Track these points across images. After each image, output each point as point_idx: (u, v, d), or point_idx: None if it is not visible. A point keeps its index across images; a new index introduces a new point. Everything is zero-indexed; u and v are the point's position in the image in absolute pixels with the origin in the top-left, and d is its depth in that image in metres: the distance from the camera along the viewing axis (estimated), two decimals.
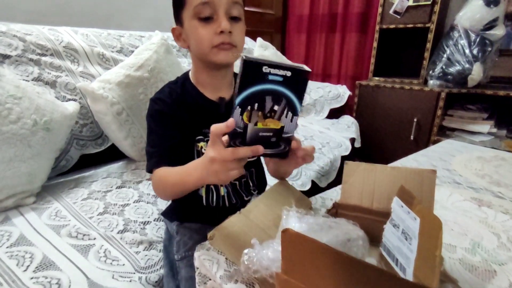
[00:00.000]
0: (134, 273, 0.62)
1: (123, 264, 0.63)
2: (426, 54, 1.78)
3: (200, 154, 0.67)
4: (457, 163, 1.02)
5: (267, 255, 0.41)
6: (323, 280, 0.35)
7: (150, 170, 0.64)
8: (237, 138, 0.45)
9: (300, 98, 0.43)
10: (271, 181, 0.97)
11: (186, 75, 0.73)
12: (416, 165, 1.00)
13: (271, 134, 0.46)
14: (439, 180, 0.87)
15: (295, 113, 0.44)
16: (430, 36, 1.74)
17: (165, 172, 0.61)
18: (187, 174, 0.56)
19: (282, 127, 0.45)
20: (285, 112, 0.44)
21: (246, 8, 2.34)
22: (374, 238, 0.51)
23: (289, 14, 2.63)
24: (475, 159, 1.03)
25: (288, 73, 0.40)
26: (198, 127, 0.67)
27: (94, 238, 0.68)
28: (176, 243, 0.68)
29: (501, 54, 1.71)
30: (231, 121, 0.43)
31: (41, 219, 0.73)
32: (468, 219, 0.65)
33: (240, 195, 0.74)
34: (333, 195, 0.81)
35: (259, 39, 1.85)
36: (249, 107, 0.42)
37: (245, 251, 0.43)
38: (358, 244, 0.44)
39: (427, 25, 1.73)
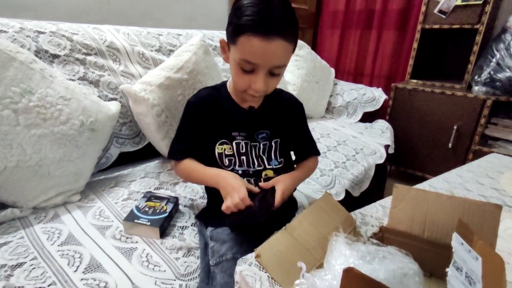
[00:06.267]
0: (175, 280, 0.63)
1: (164, 271, 0.64)
2: (472, 58, 1.67)
3: (222, 156, 0.76)
4: (507, 181, 0.95)
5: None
6: None
7: (173, 158, 0.79)
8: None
9: None
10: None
11: (224, 83, 0.82)
12: (460, 181, 0.95)
13: None
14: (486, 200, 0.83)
15: None
16: (478, 38, 1.62)
17: (189, 166, 0.76)
18: (205, 181, 0.75)
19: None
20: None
21: None
22: (425, 268, 0.49)
23: (323, 10, 2.55)
24: None
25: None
26: (226, 129, 0.76)
27: (137, 242, 0.70)
28: (210, 249, 0.70)
29: None
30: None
31: (87, 218, 0.76)
32: None
33: None
34: (373, 211, 0.79)
35: None
36: None
37: (297, 282, 0.42)
38: (414, 280, 0.42)
39: (475, 26, 1.61)
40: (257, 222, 0.64)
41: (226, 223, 0.66)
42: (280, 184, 0.70)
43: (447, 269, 0.39)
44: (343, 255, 0.46)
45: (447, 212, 0.51)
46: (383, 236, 0.57)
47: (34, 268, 0.60)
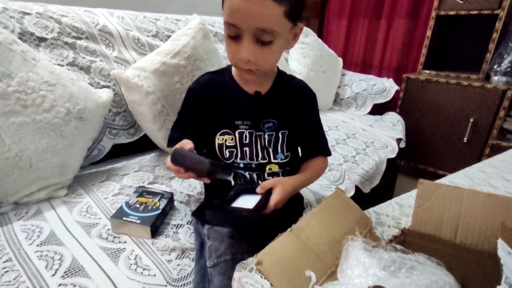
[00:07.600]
0: (166, 285, 0.56)
1: (154, 275, 0.57)
2: (491, 46, 1.56)
3: (222, 147, 0.69)
4: None
5: None
6: None
7: (168, 146, 0.73)
8: None
9: None
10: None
11: (228, 67, 0.74)
12: (484, 177, 0.86)
13: None
14: None
15: None
16: (499, 24, 1.51)
17: None
18: None
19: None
20: None
21: None
22: (456, 278, 0.41)
23: None
24: None
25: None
26: (229, 118, 0.69)
27: (125, 242, 0.63)
28: (207, 248, 0.62)
29: None
30: None
31: (72, 214, 0.69)
32: None
33: None
34: (389, 210, 0.71)
35: None
36: None
37: None
38: None
39: (496, 11, 1.50)
40: (247, 228, 0.56)
41: (206, 216, 0.60)
42: (278, 190, 0.61)
43: (498, 287, 0.31)
44: (361, 264, 0.38)
45: (485, 213, 0.43)
46: (405, 240, 0.49)
47: (7, 271, 0.53)
